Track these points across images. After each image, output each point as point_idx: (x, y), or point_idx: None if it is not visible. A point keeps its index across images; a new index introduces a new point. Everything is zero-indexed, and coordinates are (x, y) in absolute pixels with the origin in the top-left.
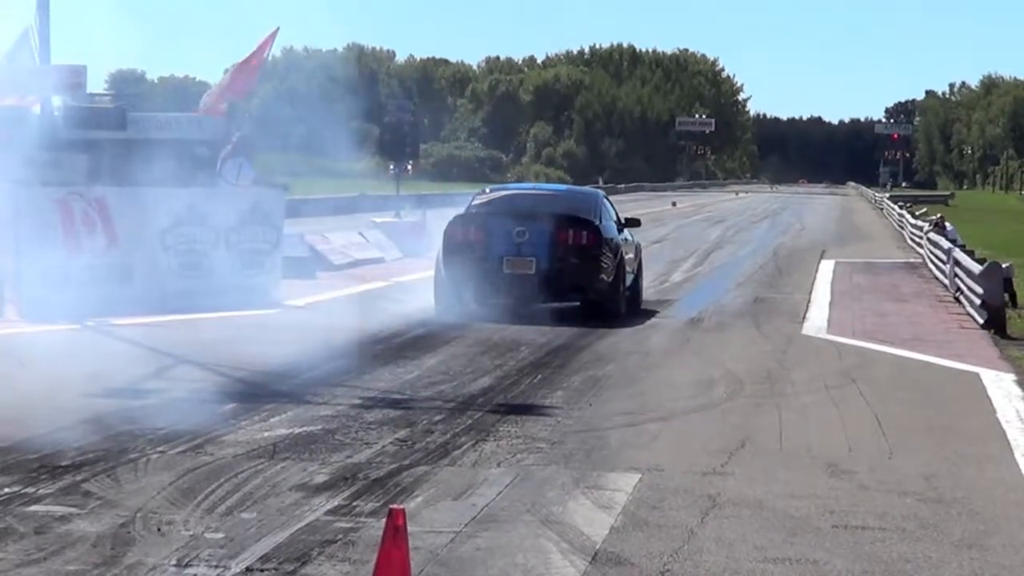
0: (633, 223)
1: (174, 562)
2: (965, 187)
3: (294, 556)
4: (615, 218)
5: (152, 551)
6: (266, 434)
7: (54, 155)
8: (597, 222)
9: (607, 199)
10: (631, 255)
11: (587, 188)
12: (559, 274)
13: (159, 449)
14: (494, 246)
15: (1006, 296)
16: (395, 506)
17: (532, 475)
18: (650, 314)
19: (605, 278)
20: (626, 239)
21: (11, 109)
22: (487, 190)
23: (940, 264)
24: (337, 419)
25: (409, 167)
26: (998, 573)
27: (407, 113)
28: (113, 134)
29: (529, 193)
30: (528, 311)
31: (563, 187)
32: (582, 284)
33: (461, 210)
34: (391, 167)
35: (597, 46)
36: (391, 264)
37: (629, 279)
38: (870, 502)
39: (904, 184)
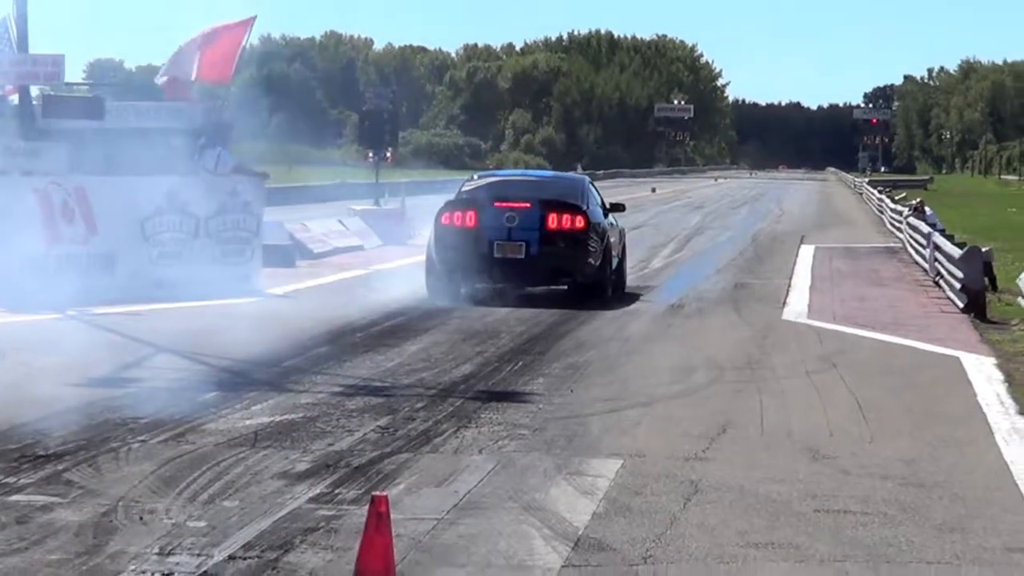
0: (618, 208)
1: (156, 550)
2: (944, 171)
3: (276, 544)
4: (601, 203)
5: (134, 540)
6: (247, 422)
7: (32, 144)
8: (585, 207)
9: (593, 185)
10: (616, 239)
11: (573, 174)
12: (549, 258)
13: (140, 438)
14: (485, 231)
15: (986, 280)
16: (377, 493)
17: (514, 462)
18: (631, 300)
19: (593, 262)
20: (611, 223)
21: None
22: (475, 176)
23: (920, 248)
24: (318, 407)
25: (388, 155)
26: (980, 556)
27: (385, 101)
28: (91, 123)
29: (518, 179)
30: (514, 295)
31: (550, 173)
32: (571, 268)
33: (441, 197)
34: (370, 155)
35: (575, 32)
36: (371, 252)
37: (615, 262)
38: (851, 486)
39: (883, 169)
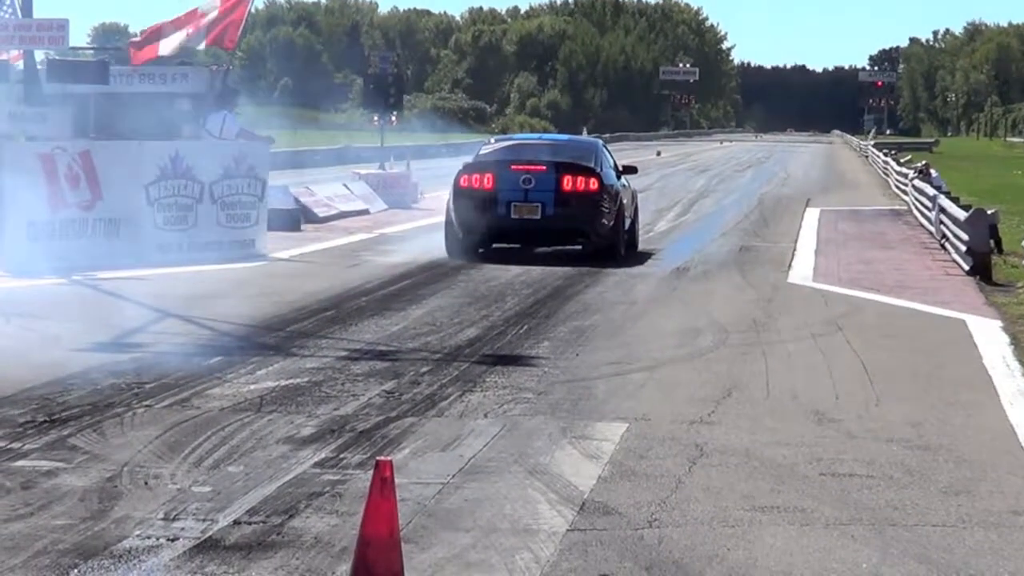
0: (630, 170)
1: (161, 516)
2: (949, 134)
3: (281, 509)
4: (614, 165)
5: (139, 505)
6: (252, 387)
7: (37, 109)
8: (599, 169)
9: (606, 147)
10: (628, 200)
11: (587, 137)
12: (564, 219)
13: (145, 403)
14: (502, 192)
15: (991, 242)
16: (382, 458)
17: (519, 425)
18: (636, 263)
19: (606, 222)
20: (624, 185)
21: None
22: (492, 140)
23: (925, 211)
24: (323, 371)
25: (393, 118)
26: (985, 519)
27: (390, 65)
28: (96, 88)
29: (533, 143)
30: (526, 255)
31: (565, 137)
32: (585, 228)
33: (446, 161)
34: (375, 118)
35: None
36: (376, 215)
37: (627, 223)
38: (857, 450)
39: (888, 132)
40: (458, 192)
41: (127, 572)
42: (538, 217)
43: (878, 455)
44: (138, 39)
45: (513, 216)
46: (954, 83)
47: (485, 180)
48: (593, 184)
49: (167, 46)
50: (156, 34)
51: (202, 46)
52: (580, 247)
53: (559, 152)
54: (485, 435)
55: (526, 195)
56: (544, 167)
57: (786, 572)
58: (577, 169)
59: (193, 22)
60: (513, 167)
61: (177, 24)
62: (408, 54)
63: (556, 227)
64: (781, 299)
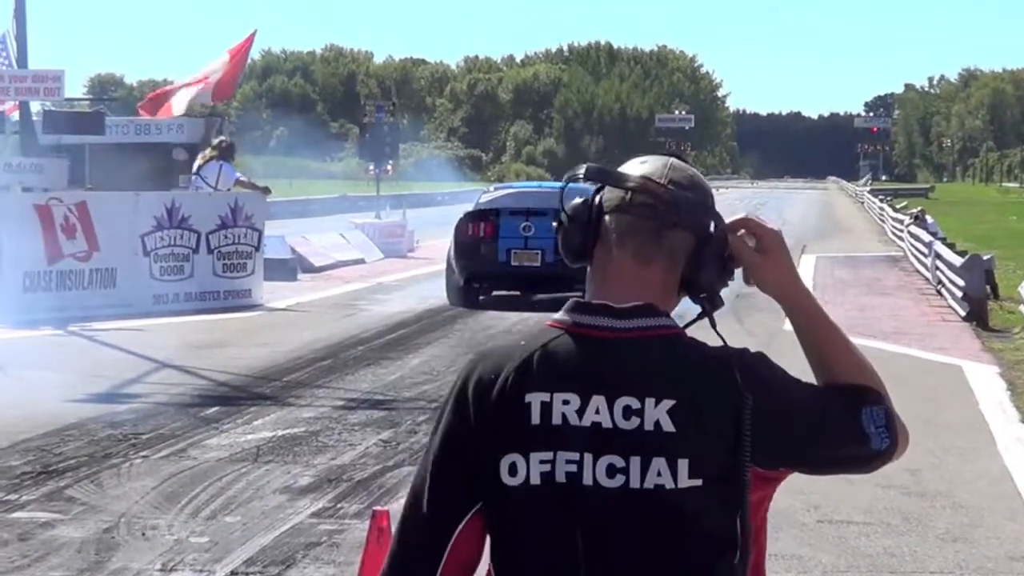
0: None
1: (159, 567)
2: (945, 180)
3: (279, 559)
4: None
5: (136, 556)
6: (249, 437)
7: (33, 160)
8: None
9: None
10: None
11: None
12: (563, 265)
13: (142, 454)
14: (502, 240)
15: (987, 288)
16: (379, 508)
17: None
18: None
19: None
20: None
21: None
22: (492, 188)
23: (921, 257)
24: (320, 421)
25: (389, 167)
26: (983, 565)
27: (386, 114)
28: (92, 138)
29: (533, 190)
30: (523, 303)
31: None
32: (584, 274)
33: (441, 210)
34: (371, 168)
35: (575, 44)
36: (372, 264)
37: None
38: (854, 496)
39: (884, 177)
40: (459, 239)
41: None
42: (538, 264)
43: (875, 502)
44: (147, 100)
45: (514, 263)
46: (949, 129)
47: (486, 227)
48: None
49: (179, 105)
50: (166, 96)
51: (209, 102)
52: (580, 294)
53: (559, 200)
54: None
55: (526, 242)
56: (544, 214)
57: None
58: None
59: (202, 82)
60: (513, 215)
61: (188, 85)
62: (404, 103)
63: (556, 274)
64: (778, 345)
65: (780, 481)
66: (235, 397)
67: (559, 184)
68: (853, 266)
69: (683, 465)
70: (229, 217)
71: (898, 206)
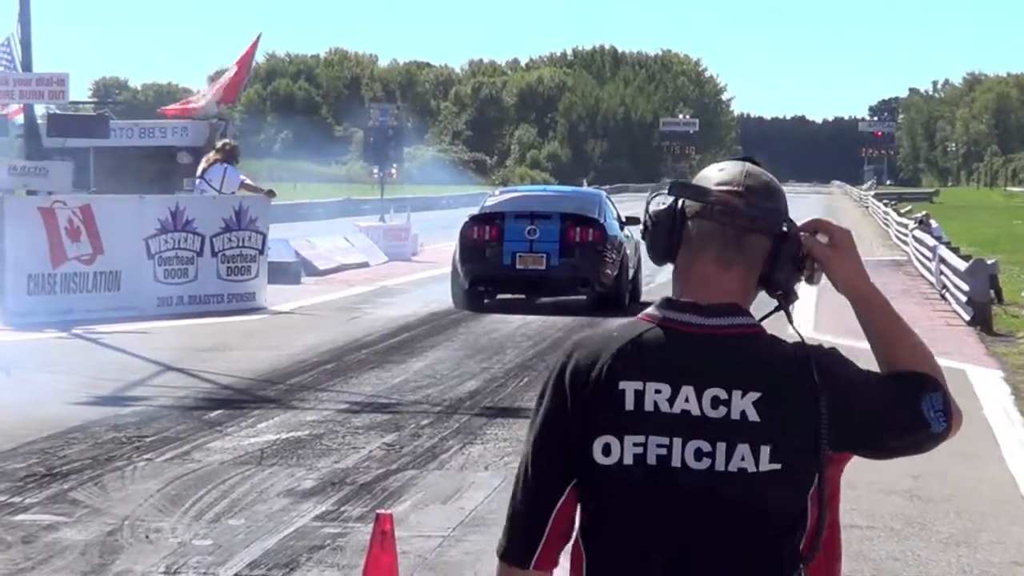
0: (633, 221)
1: (162, 569)
2: (949, 184)
3: (282, 562)
4: (617, 216)
5: (140, 559)
6: (253, 440)
7: (38, 163)
8: (602, 220)
9: (609, 199)
10: (631, 251)
11: (591, 189)
12: (568, 268)
13: (146, 456)
14: (507, 243)
15: (992, 292)
16: (383, 511)
17: None
18: (636, 314)
19: (610, 272)
20: (627, 236)
21: None
22: (497, 191)
23: (926, 261)
24: (324, 424)
25: (393, 171)
26: (986, 570)
27: (390, 117)
28: (97, 141)
29: (538, 194)
30: (526, 306)
31: (569, 188)
32: (589, 278)
33: (445, 213)
34: (375, 171)
35: (580, 48)
36: (376, 268)
37: (631, 273)
38: (858, 501)
39: (888, 182)
40: (464, 243)
41: None
42: (543, 267)
43: (879, 507)
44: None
45: (519, 266)
46: (954, 133)
47: (491, 231)
48: (597, 235)
49: (202, 98)
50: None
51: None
52: (584, 297)
53: (563, 203)
54: (486, 487)
55: (531, 246)
56: (549, 218)
57: None
58: (581, 220)
59: (217, 85)
60: (518, 218)
61: (211, 82)
62: (408, 106)
63: (561, 277)
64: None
65: (847, 461)
66: (239, 400)
67: (565, 188)
68: None
69: (765, 451)
70: (233, 220)
71: (902, 210)
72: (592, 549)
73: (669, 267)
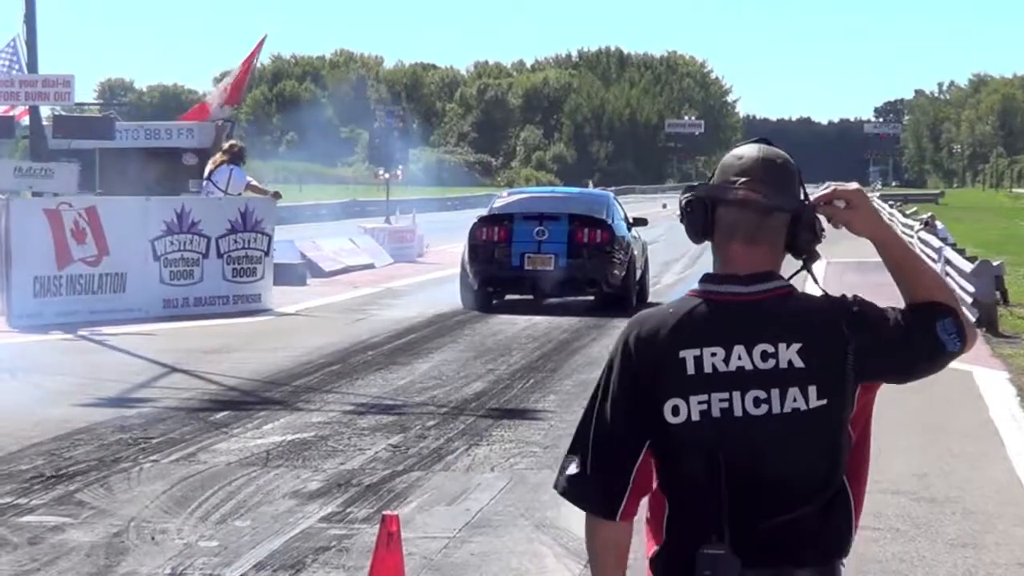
0: (640, 222)
1: (168, 571)
2: (955, 185)
3: (288, 563)
4: (624, 217)
5: (146, 560)
6: (259, 441)
7: (43, 165)
8: (610, 221)
9: (617, 200)
10: (639, 252)
11: (599, 190)
12: (576, 269)
13: (152, 458)
14: (516, 244)
15: (997, 294)
16: (388, 512)
17: (526, 479)
18: None
19: (618, 273)
20: (635, 237)
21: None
22: (506, 193)
23: (931, 263)
24: (330, 426)
25: (399, 172)
26: (992, 571)
27: (395, 118)
28: (102, 143)
29: (546, 195)
30: (532, 308)
31: (577, 190)
32: (597, 278)
33: (451, 214)
34: (381, 172)
35: (585, 49)
36: (382, 269)
37: (638, 274)
38: (864, 502)
39: (894, 183)
40: (473, 244)
41: None
42: (551, 268)
43: (884, 507)
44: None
45: (527, 267)
46: (959, 134)
47: (499, 232)
48: (605, 236)
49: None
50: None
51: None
52: (592, 297)
53: (572, 204)
54: (492, 489)
55: (539, 247)
56: (557, 219)
57: None
58: (589, 221)
59: (222, 86)
60: (527, 219)
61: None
62: (413, 108)
63: (569, 278)
64: None
65: (877, 389)
66: (244, 402)
67: (573, 189)
68: (862, 272)
69: (812, 390)
70: (239, 222)
71: (908, 212)
72: (672, 497)
73: (674, 269)
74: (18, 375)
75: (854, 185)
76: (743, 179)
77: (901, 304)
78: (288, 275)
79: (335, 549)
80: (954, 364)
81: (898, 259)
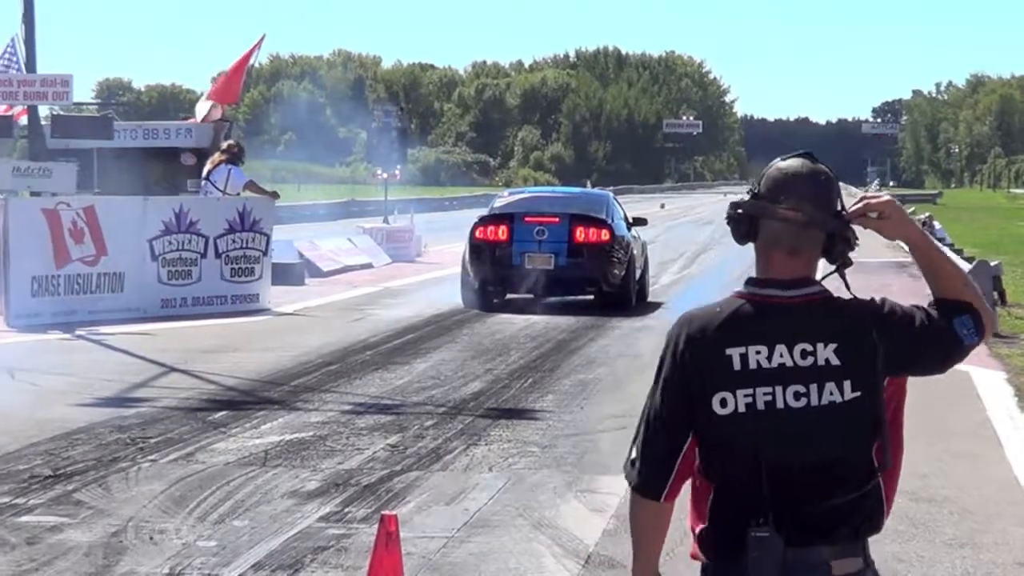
0: (640, 222)
1: (166, 571)
2: (953, 186)
3: (287, 563)
4: (624, 217)
5: (144, 560)
6: (257, 441)
7: (42, 164)
8: (610, 221)
9: (616, 200)
10: (638, 251)
11: (598, 190)
12: (576, 268)
13: (150, 458)
14: (516, 243)
15: (995, 294)
16: (387, 512)
17: (524, 479)
18: (640, 317)
19: (618, 272)
20: (634, 236)
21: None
22: (506, 193)
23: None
24: (328, 425)
25: (397, 172)
26: (990, 571)
27: (394, 118)
28: (101, 143)
29: (546, 195)
30: (530, 307)
31: (577, 190)
32: (597, 278)
33: (449, 214)
34: (379, 172)
35: (583, 49)
36: (380, 269)
37: (638, 273)
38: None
39: (892, 183)
40: (473, 243)
41: None
42: (551, 267)
43: None
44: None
45: (527, 266)
46: (957, 135)
47: (500, 231)
48: (605, 235)
49: (200, 111)
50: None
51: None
52: (592, 296)
53: (571, 204)
54: (490, 489)
55: (540, 246)
56: (557, 219)
57: None
58: (589, 220)
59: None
60: (527, 219)
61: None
62: (412, 108)
63: (569, 277)
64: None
65: (905, 381)
66: (243, 401)
67: (573, 189)
68: (861, 272)
69: (847, 384)
70: (237, 222)
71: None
72: (717, 482)
73: (671, 270)
74: (16, 375)
75: (885, 196)
76: (787, 196)
77: (918, 302)
78: (286, 275)
79: (333, 549)
80: None
81: (926, 260)
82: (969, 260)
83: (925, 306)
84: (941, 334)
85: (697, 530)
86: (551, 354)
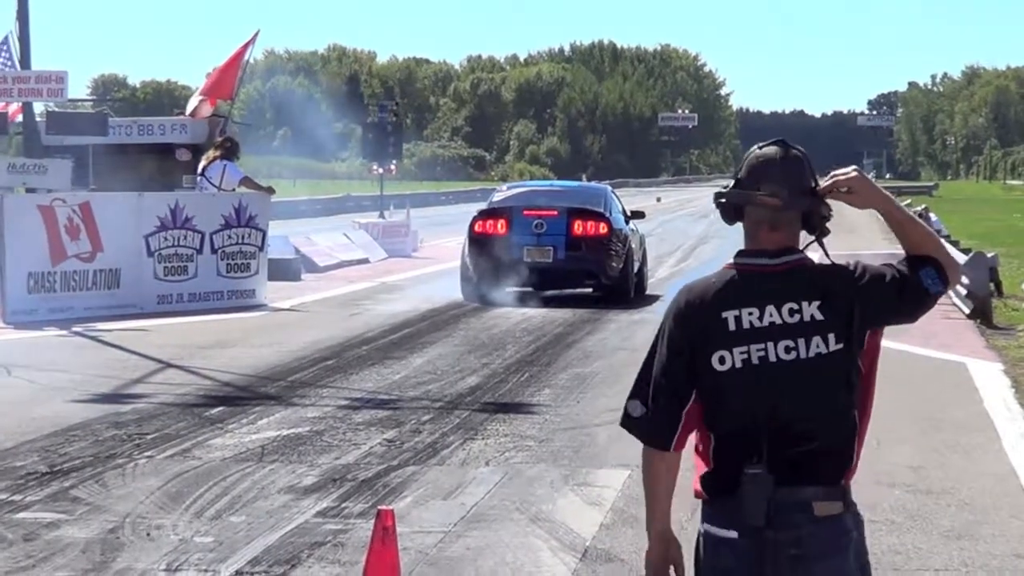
0: (638, 215)
1: (164, 566)
2: (949, 178)
3: (284, 558)
4: (622, 210)
5: (141, 556)
6: (254, 437)
7: (37, 161)
8: (608, 214)
9: (614, 193)
10: (636, 244)
11: (597, 184)
12: (575, 261)
13: (147, 454)
14: (515, 237)
15: (991, 286)
16: (384, 507)
17: (521, 473)
18: (636, 310)
19: (616, 265)
20: (632, 230)
21: None
22: (505, 187)
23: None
24: (325, 421)
25: (392, 167)
26: (987, 563)
27: (389, 113)
28: (96, 139)
29: (545, 189)
30: (527, 301)
31: (575, 183)
32: (595, 270)
33: (445, 209)
34: (374, 167)
35: (578, 43)
36: (376, 264)
37: (636, 266)
38: (859, 493)
39: (888, 176)
40: (472, 237)
41: None
42: (550, 260)
43: (880, 499)
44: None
45: (526, 260)
46: (953, 127)
47: (499, 225)
48: (603, 228)
49: (189, 107)
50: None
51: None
52: (590, 289)
53: (570, 198)
54: (487, 483)
55: (538, 239)
56: (556, 212)
57: None
58: (587, 214)
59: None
60: (526, 212)
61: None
62: (407, 103)
63: (568, 270)
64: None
65: (882, 331)
66: (239, 397)
67: (571, 183)
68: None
69: (831, 337)
70: (233, 217)
71: (902, 204)
72: (717, 429)
73: (668, 263)
74: (12, 371)
75: (852, 172)
76: (765, 181)
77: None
78: (282, 270)
79: (330, 544)
80: (948, 356)
81: (895, 223)
82: (966, 252)
83: (895, 263)
84: (909, 285)
85: (700, 473)
86: (548, 348)
